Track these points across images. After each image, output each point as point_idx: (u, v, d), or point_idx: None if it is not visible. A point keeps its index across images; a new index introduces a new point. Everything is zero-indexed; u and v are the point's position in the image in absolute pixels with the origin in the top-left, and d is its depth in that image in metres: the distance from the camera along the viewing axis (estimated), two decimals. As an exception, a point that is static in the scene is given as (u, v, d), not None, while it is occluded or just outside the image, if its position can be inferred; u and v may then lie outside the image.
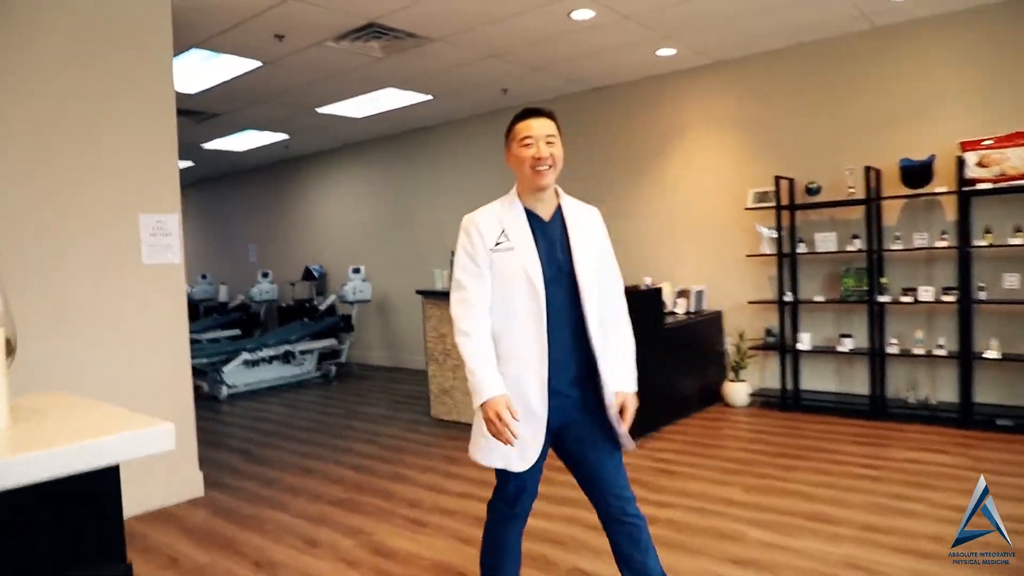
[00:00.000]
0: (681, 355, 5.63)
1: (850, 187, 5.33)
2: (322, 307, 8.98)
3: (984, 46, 4.94)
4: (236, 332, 9.98)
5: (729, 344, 6.08)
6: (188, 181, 12.15)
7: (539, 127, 2.19)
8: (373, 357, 9.37)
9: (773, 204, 5.69)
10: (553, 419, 2.16)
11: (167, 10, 4.09)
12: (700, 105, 6.33)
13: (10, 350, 1.27)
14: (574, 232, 2.23)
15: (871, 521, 3.33)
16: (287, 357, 8.06)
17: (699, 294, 6.16)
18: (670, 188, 6.56)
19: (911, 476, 3.93)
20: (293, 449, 5.24)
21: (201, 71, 5.71)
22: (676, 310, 5.99)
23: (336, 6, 4.43)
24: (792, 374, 5.73)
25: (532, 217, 2.22)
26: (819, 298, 5.56)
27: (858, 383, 5.54)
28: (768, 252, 5.77)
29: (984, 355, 4.85)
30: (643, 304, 5.27)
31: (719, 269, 6.25)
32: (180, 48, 5.05)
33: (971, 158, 4.78)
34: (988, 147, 4.71)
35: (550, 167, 2.19)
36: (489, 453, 2.17)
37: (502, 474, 2.24)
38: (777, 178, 5.65)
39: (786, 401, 5.69)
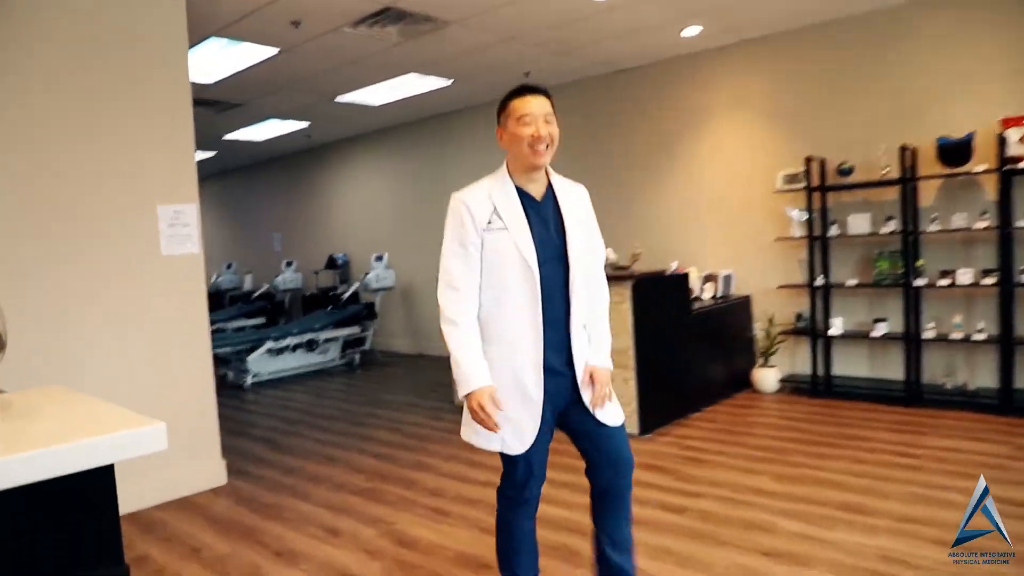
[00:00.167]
0: (709, 341, 5.51)
1: (884, 167, 5.15)
2: (345, 295, 8.97)
3: (1027, 16, 4.72)
4: (261, 321, 10.03)
5: (758, 329, 5.94)
6: (211, 171, 12.24)
7: (537, 105, 2.11)
8: (396, 344, 9.35)
9: (803, 186, 5.52)
10: (551, 400, 2.15)
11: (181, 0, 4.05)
12: (727, 85, 6.16)
13: (0, 345, 1.21)
14: (566, 211, 2.20)
15: (908, 512, 3.21)
16: (311, 345, 8.06)
17: (727, 279, 6.02)
18: (697, 171, 6.40)
19: (950, 465, 3.79)
20: (316, 437, 5.23)
21: (219, 60, 5.67)
22: (703, 295, 5.86)
23: (353, -11, 4.35)
24: (823, 359, 5.58)
25: (524, 196, 2.16)
26: (851, 282, 5.40)
27: (892, 369, 5.38)
28: (798, 235, 5.61)
29: (1026, 339, 4.67)
30: (670, 289, 5.16)
31: (747, 253, 6.10)
32: (197, 38, 5.02)
33: (1013, 135, 4.57)
34: (1031, 122, 4.51)
35: (547, 146, 2.12)
36: (485, 436, 2.15)
37: (508, 459, 2.21)
38: (808, 159, 5.48)
39: (817, 387, 5.54)
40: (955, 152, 4.86)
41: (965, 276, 4.84)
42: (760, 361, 5.84)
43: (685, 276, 5.35)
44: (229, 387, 7.53)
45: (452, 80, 6.75)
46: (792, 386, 5.76)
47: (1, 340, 1.21)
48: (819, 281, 5.52)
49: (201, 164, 11.01)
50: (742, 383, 5.87)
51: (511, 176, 2.17)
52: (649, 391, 4.74)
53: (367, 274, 8.73)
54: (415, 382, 7.22)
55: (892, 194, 5.23)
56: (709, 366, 5.51)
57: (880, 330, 5.23)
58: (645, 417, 4.71)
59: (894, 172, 5.10)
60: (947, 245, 5.09)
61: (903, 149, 5.02)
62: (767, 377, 5.73)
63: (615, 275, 4.86)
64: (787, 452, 4.19)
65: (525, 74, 6.67)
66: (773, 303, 5.94)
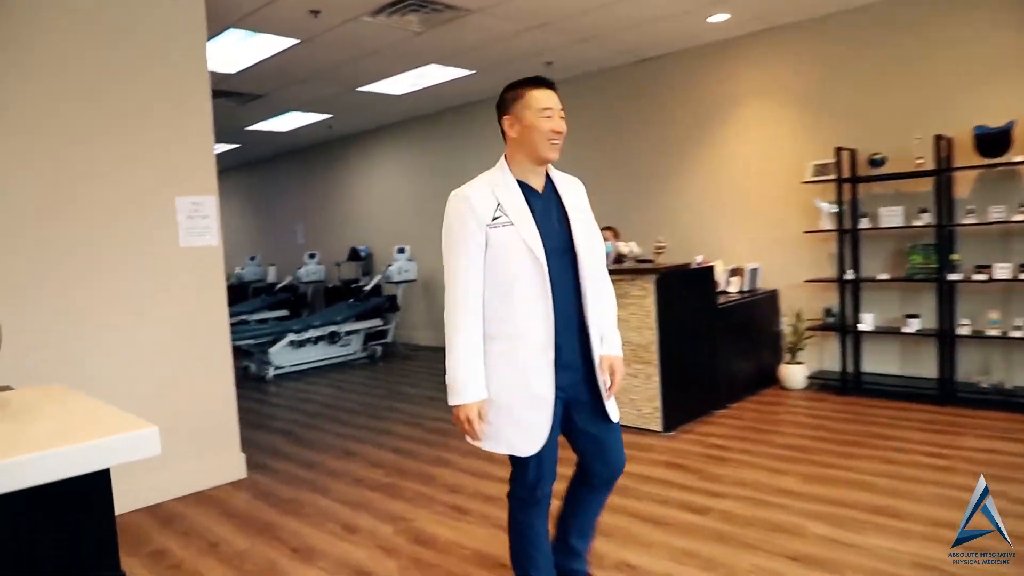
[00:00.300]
0: (734, 336, 5.39)
1: (918, 158, 4.98)
2: (367, 287, 8.96)
3: (1071, 0, 4.53)
4: (284, 313, 10.06)
5: (785, 324, 5.80)
6: (235, 163, 12.30)
7: (556, 100, 2.11)
8: (418, 337, 9.33)
9: (833, 177, 5.36)
10: (565, 394, 2.14)
11: (200, -11, 4.02)
12: (755, 74, 6.01)
13: (-6, 339, 1.16)
14: (568, 203, 2.18)
15: (942, 516, 3.09)
16: (333, 338, 8.06)
17: (753, 272, 5.88)
18: (723, 162, 6.27)
19: (985, 467, 3.65)
20: (336, 431, 5.21)
21: (239, 51, 5.65)
22: (729, 289, 5.74)
23: (372, -23, 4.29)
24: (853, 356, 5.44)
25: (525, 189, 2.11)
26: (883, 276, 5.24)
27: (925, 366, 5.22)
28: (828, 228, 5.46)
29: (1067, 337, 4.49)
30: (695, 283, 5.05)
31: (775, 246, 5.96)
32: (217, 29, 4.99)
33: (1055, 123, 4.39)
34: (1075, 110, 4.32)
35: (560, 142, 2.12)
36: (493, 439, 2.12)
37: (518, 461, 2.17)
38: (838, 149, 5.32)
39: (846, 384, 5.40)
40: (993, 142, 4.68)
41: (1002, 271, 4.67)
42: (787, 357, 5.70)
43: (711, 269, 5.23)
44: (251, 379, 7.56)
45: (474, 71, 6.67)
46: (820, 383, 5.62)
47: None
48: (849, 275, 5.37)
49: (224, 156, 11.08)
50: (768, 379, 5.74)
51: (511, 169, 2.12)
52: (672, 387, 4.65)
53: (389, 266, 8.71)
54: (436, 375, 7.18)
55: (926, 185, 5.06)
56: (734, 362, 5.39)
57: (912, 326, 5.08)
58: (668, 414, 4.62)
59: (928, 163, 4.93)
60: (983, 238, 4.91)
61: (938, 139, 4.85)
62: (794, 374, 5.59)
63: (638, 268, 4.77)
64: (815, 451, 4.08)
65: (547, 64, 6.57)
66: (801, 298, 5.79)
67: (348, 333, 8.23)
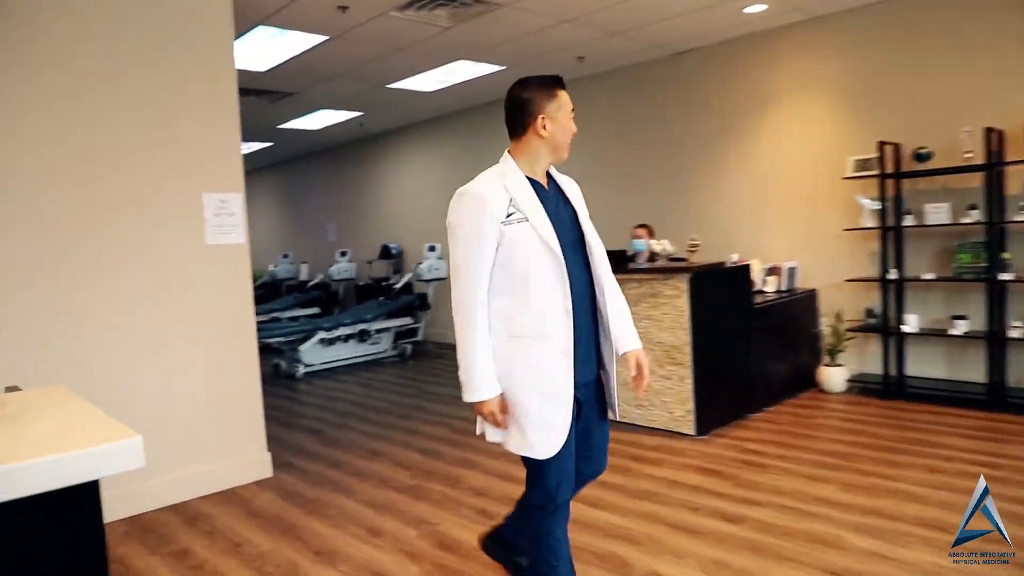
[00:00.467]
0: (771, 337, 5.22)
1: (967, 152, 4.76)
2: (398, 285, 8.94)
3: None
4: (316, 310, 10.09)
5: (825, 325, 5.61)
6: (268, 161, 12.40)
7: None
8: (449, 336, 9.25)
9: (876, 172, 5.16)
10: (581, 391, 2.12)
11: (227, -14, 4.00)
12: (793, 66, 5.82)
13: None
14: (573, 200, 2.19)
15: (991, 529, 2.91)
16: (363, 336, 8.05)
17: (791, 271, 5.70)
18: (760, 158, 6.09)
19: (1040, 478, 3.46)
20: (363, 430, 5.17)
21: (269, 49, 5.64)
22: (766, 288, 5.57)
23: (399, -29, 4.23)
24: (896, 359, 5.23)
25: (534, 185, 2.11)
26: (928, 276, 5.03)
27: (973, 370, 4.99)
28: (870, 225, 5.26)
29: None
30: (730, 282, 4.90)
31: (814, 244, 5.77)
32: (246, 26, 4.98)
33: (1116, 114, 4.15)
34: None
35: None
36: (516, 441, 2.07)
37: (536, 465, 2.10)
38: (881, 144, 5.12)
39: (889, 388, 5.19)
40: (1048, 135, 4.45)
41: (1058, 270, 4.45)
42: (826, 359, 5.51)
43: (746, 268, 5.07)
44: (282, 377, 7.58)
45: (504, 67, 6.58)
46: (861, 386, 5.42)
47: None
48: (892, 274, 5.17)
49: (257, 154, 11.17)
50: (807, 382, 5.55)
51: (519, 166, 2.11)
52: (706, 389, 4.51)
53: (420, 264, 8.67)
54: (465, 374, 7.10)
55: (975, 181, 4.83)
56: (771, 363, 5.23)
57: (960, 328, 4.86)
58: (701, 417, 4.48)
59: (978, 157, 4.71)
60: (1037, 236, 4.68)
61: (989, 131, 4.62)
62: (834, 376, 5.40)
63: (671, 267, 4.64)
64: (856, 459, 3.91)
65: (579, 59, 6.45)
66: (841, 297, 5.60)
67: (378, 331, 8.22)
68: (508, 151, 2.14)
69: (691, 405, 4.47)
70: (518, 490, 3.68)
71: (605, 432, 2.30)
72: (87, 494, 0.96)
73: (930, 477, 3.55)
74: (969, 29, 4.89)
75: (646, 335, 4.66)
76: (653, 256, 5.00)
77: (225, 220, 3.99)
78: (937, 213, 4.95)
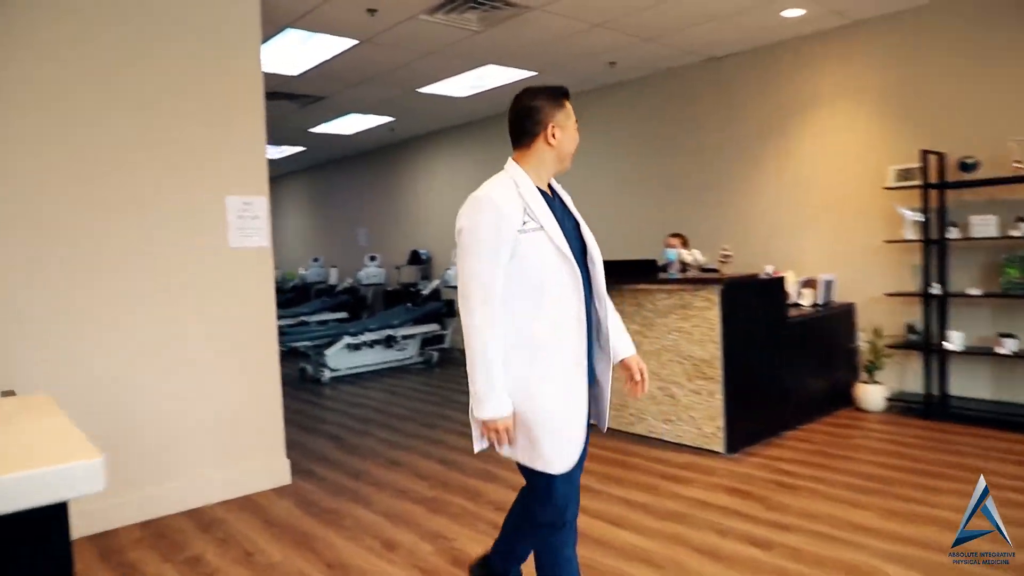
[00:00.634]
0: (806, 352, 5.04)
1: (1016, 161, 4.54)
2: (425, 292, 8.89)
3: None
4: (344, 315, 10.09)
5: (863, 341, 5.40)
6: (300, 166, 12.49)
7: None
8: (476, 343, 9.18)
9: (919, 183, 4.95)
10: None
11: (255, -11, 3.97)
12: (833, 72, 5.63)
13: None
14: (573, 209, 2.19)
15: (1045, 566, 2.73)
16: (389, 341, 8.00)
17: (828, 284, 5.50)
18: (797, 166, 5.90)
19: (1095, 509, 3.25)
20: (384, 438, 5.10)
21: (299, 52, 5.63)
22: (801, 302, 5.38)
23: (428, -26, 4.17)
24: (938, 377, 5.00)
25: (541, 194, 2.08)
26: (974, 291, 4.80)
27: (1021, 392, 4.75)
28: (911, 238, 5.04)
29: None
30: (763, 295, 4.73)
31: (852, 256, 5.56)
32: (274, 29, 4.97)
33: None
34: None
35: None
36: (528, 453, 1.99)
37: (546, 481, 2.02)
38: (924, 152, 4.91)
39: (930, 408, 4.97)
40: (1106, 145, 4.21)
41: (1115, 288, 4.20)
42: (864, 376, 5.30)
43: (781, 280, 4.89)
44: (308, 381, 7.57)
45: (535, 72, 6.49)
46: (901, 406, 5.20)
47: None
48: (935, 289, 4.95)
49: (289, 159, 11.25)
50: (843, 400, 5.35)
51: (528, 175, 2.07)
52: (737, 405, 4.35)
53: (448, 270, 8.61)
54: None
55: (1025, 193, 4.61)
56: (806, 380, 5.04)
57: (1008, 347, 4.62)
58: (732, 434, 4.32)
59: (1029, 168, 4.49)
60: (1093, 252, 4.44)
61: (1041, 141, 4.40)
62: (872, 394, 5.19)
63: (702, 278, 4.49)
64: (895, 483, 3.72)
65: (610, 64, 6.34)
66: (880, 312, 5.38)
67: (405, 337, 8.16)
68: (513, 159, 2.09)
69: (721, 422, 4.31)
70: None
71: (587, 445, 2.20)
72: (47, 520, 0.87)
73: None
74: (1018, 34, 4.67)
75: (675, 348, 4.52)
76: (684, 266, 4.86)
77: (248, 223, 3.95)
78: (984, 225, 4.73)
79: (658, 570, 2.84)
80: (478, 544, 3.17)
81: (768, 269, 5.32)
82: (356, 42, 5.36)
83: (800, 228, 5.89)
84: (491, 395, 1.93)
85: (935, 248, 4.99)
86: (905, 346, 5.17)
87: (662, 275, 4.74)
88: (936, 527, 3.13)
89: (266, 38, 5.14)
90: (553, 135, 2.04)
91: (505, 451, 2.04)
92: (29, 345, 3.30)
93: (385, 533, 3.37)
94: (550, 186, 2.14)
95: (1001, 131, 4.67)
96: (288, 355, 8.47)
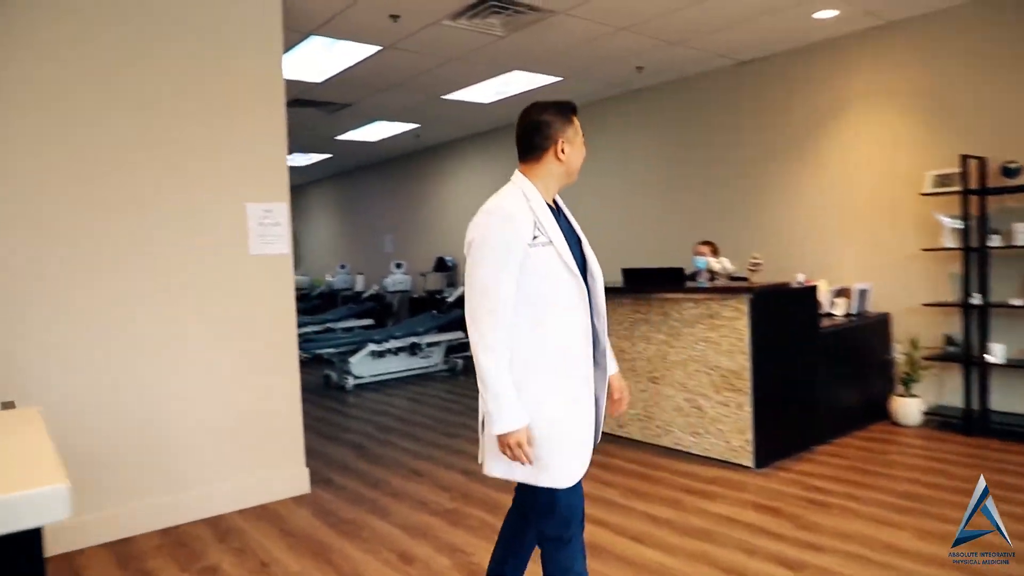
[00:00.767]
0: (839, 363, 4.88)
1: (1063, 166, 4.36)
2: (451, 299, 8.84)
3: None
4: (370, 322, 10.09)
5: (898, 352, 5.21)
6: (327, 173, 12.56)
7: None
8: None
9: (958, 188, 4.77)
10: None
11: (276, -3, 3.96)
12: (867, 75, 5.47)
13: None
14: (575, 225, 2.16)
15: (1097, 594, 2.57)
16: (413, 349, 7.96)
17: (862, 293, 5.33)
18: (829, 172, 5.74)
19: None
20: (406, 447, 5.04)
21: (324, 60, 5.63)
22: (834, 311, 5.21)
23: (451, -22, 4.12)
24: (979, 391, 4.80)
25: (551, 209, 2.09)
26: (1017, 301, 4.60)
27: (1068, 406, 4.55)
28: (950, 246, 4.86)
29: None
30: (794, 304, 4.59)
31: (887, 265, 5.38)
32: (298, 37, 4.97)
33: None
34: None
35: None
36: (536, 471, 1.96)
37: (551, 495, 1.99)
38: (964, 157, 4.73)
39: (970, 423, 4.77)
40: None
41: None
42: (900, 389, 5.12)
43: (813, 290, 4.74)
44: (332, 388, 7.56)
45: (560, 77, 6.42)
46: (939, 420, 5.00)
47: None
48: (975, 299, 4.76)
49: (316, 166, 11.31)
50: (878, 413, 5.16)
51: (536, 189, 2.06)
52: (767, 418, 4.21)
53: (473, 278, 8.54)
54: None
55: (1072, 199, 4.41)
56: (839, 392, 4.87)
57: (1053, 359, 4.43)
58: (761, 448, 4.19)
59: (1076, 173, 4.30)
60: None
61: (1089, 145, 4.21)
62: (908, 408, 5.00)
63: (730, 287, 4.37)
64: (933, 501, 3.56)
65: (637, 69, 6.24)
66: (917, 323, 5.20)
67: (429, 345, 8.12)
68: (520, 172, 2.09)
69: (750, 435, 4.18)
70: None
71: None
72: (15, 546, 0.82)
73: (1019, 527, 3.19)
74: (1066, 33, 4.48)
75: (702, 358, 4.40)
76: (712, 275, 4.74)
77: (269, 230, 3.93)
78: (1028, 233, 4.54)
79: (682, 591, 2.74)
80: (496, 559, 3.09)
81: (800, 278, 5.17)
82: (379, 48, 5.34)
83: (833, 236, 5.73)
84: (504, 410, 1.89)
85: (975, 256, 4.80)
86: (943, 358, 4.98)
87: (690, 284, 4.62)
88: (978, 549, 2.97)
89: (292, 45, 5.15)
90: (563, 150, 2.04)
91: (493, 471, 2.02)
92: (46, 352, 3.31)
93: (402, 546, 3.30)
94: (555, 201, 2.13)
95: (1045, 135, 4.49)
96: (313, 362, 8.49)
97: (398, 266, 10.37)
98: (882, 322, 5.33)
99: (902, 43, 5.25)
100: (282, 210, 3.99)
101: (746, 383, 4.18)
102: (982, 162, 4.76)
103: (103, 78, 3.43)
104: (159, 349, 3.60)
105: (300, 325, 9.01)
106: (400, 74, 6.13)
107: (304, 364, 8.05)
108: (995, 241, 4.69)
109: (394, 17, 4.65)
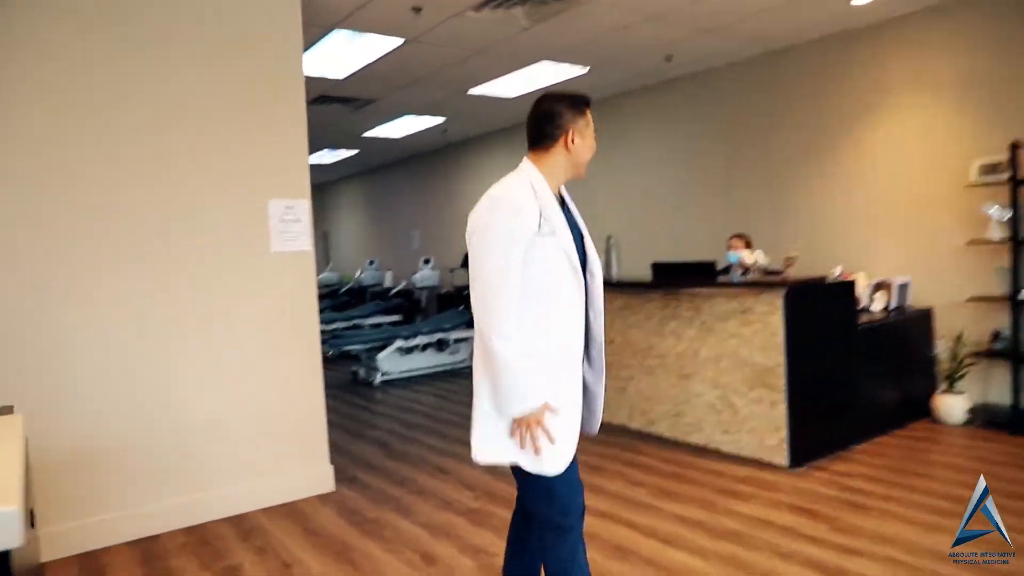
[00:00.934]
0: (878, 360, 4.70)
1: (1118, 152, 4.13)
2: (478, 295, 8.76)
3: None
4: (398, 318, 10.08)
5: (942, 348, 5.01)
6: (354, 170, 12.59)
7: None
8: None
9: (1007, 177, 4.56)
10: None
11: (297, -8, 3.92)
12: (908, 61, 5.26)
13: None
14: (577, 217, 2.15)
15: None
16: (441, 345, 7.92)
17: (902, 288, 5.13)
18: (868, 162, 5.54)
19: None
20: (432, 444, 4.99)
21: (348, 54, 5.59)
22: (873, 306, 5.03)
23: (473, -33, 4.04)
24: (1027, 389, 4.60)
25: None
26: (1068, 295, 4.40)
27: (1123, 404, 4.32)
28: (997, 238, 4.65)
29: None
30: (831, 299, 4.43)
31: (929, 258, 5.18)
32: (321, 31, 4.94)
33: None
34: None
35: None
36: (529, 458, 1.96)
37: (546, 482, 1.99)
38: (1013, 146, 4.52)
39: (1018, 422, 4.56)
40: None
41: None
42: (943, 386, 4.92)
43: (851, 284, 4.57)
44: (359, 384, 7.55)
45: (587, 68, 6.31)
46: (985, 419, 4.79)
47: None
48: (1024, 293, 4.56)
49: (343, 163, 11.33)
50: (919, 411, 4.97)
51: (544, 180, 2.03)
52: (802, 416, 4.07)
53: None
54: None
55: None
56: (878, 389, 4.70)
57: (1108, 356, 4.21)
58: (796, 446, 4.05)
59: None
60: None
61: None
62: (952, 406, 4.81)
63: (764, 281, 4.23)
64: (979, 504, 3.39)
65: (667, 58, 6.10)
66: (962, 318, 4.99)
67: (457, 341, 8.07)
68: (528, 160, 2.07)
69: (784, 433, 4.04)
70: (588, 520, 3.39)
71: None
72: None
73: (1073, 533, 3.02)
74: (1122, 12, 4.25)
75: (735, 354, 4.27)
76: (746, 269, 4.59)
77: (291, 227, 3.90)
78: (1080, 223, 4.32)
79: (713, 597, 2.63)
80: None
81: (836, 271, 5.00)
82: (402, 41, 5.28)
83: (872, 228, 5.53)
84: (520, 389, 1.90)
85: None
86: (990, 355, 4.77)
87: (723, 278, 4.49)
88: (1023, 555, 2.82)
89: (315, 40, 5.11)
90: (572, 140, 2.03)
91: (485, 458, 2.00)
92: (72, 353, 3.31)
93: (426, 545, 3.25)
94: (560, 193, 2.11)
95: (1099, 119, 4.26)
96: (341, 358, 8.49)
97: (426, 262, 10.35)
98: (924, 317, 5.13)
99: (944, 29, 5.03)
100: (303, 207, 3.95)
101: (780, 380, 4.04)
102: (1031, 149, 4.54)
103: (116, 75, 3.42)
104: (181, 348, 3.59)
105: (328, 322, 9.07)
106: (424, 68, 6.07)
107: (332, 360, 8.08)
108: (1045, 232, 4.47)
109: (416, 10, 4.58)
